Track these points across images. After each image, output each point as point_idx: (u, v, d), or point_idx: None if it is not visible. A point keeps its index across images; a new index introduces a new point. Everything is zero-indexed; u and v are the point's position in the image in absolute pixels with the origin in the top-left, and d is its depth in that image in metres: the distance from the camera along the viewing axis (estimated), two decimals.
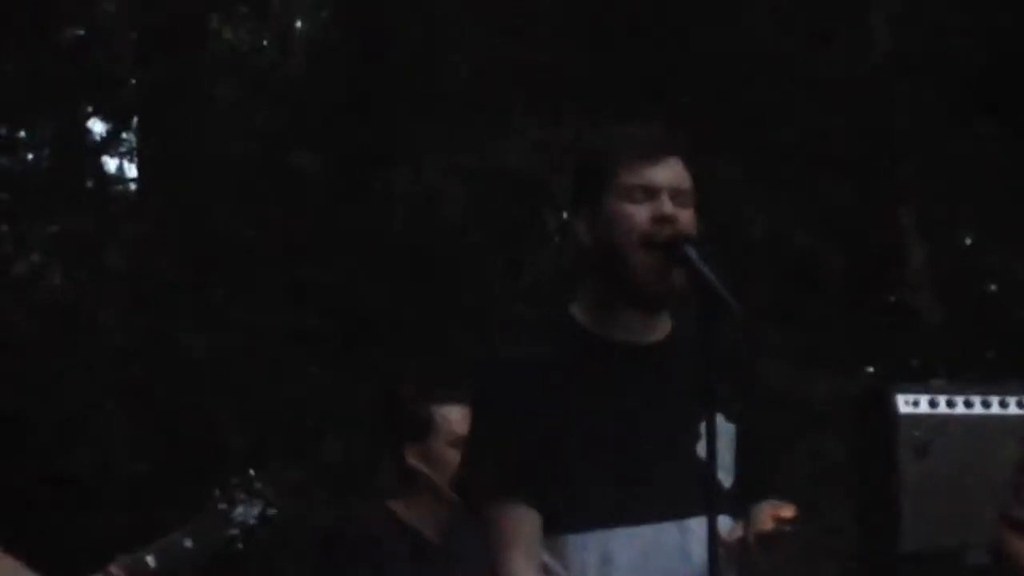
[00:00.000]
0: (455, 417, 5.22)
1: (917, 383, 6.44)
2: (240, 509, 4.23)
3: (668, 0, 10.85)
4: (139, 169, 11.28)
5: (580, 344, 3.82)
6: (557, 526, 3.73)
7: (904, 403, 6.07)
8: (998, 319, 11.09)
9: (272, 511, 4.29)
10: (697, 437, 3.67)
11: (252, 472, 4.31)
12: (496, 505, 3.75)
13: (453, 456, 5.09)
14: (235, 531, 4.22)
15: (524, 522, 3.73)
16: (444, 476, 5.33)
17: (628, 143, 3.80)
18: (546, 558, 3.75)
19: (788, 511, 3.55)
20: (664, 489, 3.73)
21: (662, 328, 3.78)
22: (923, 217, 11.07)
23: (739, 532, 3.59)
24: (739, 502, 3.69)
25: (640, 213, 3.67)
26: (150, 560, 4.23)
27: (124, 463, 9.66)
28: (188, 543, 4.19)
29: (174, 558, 4.26)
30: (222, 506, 4.23)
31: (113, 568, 4.24)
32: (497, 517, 3.75)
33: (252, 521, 4.25)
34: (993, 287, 11.62)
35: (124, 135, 11.22)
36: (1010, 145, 10.22)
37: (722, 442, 3.67)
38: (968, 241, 11.76)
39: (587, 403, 3.75)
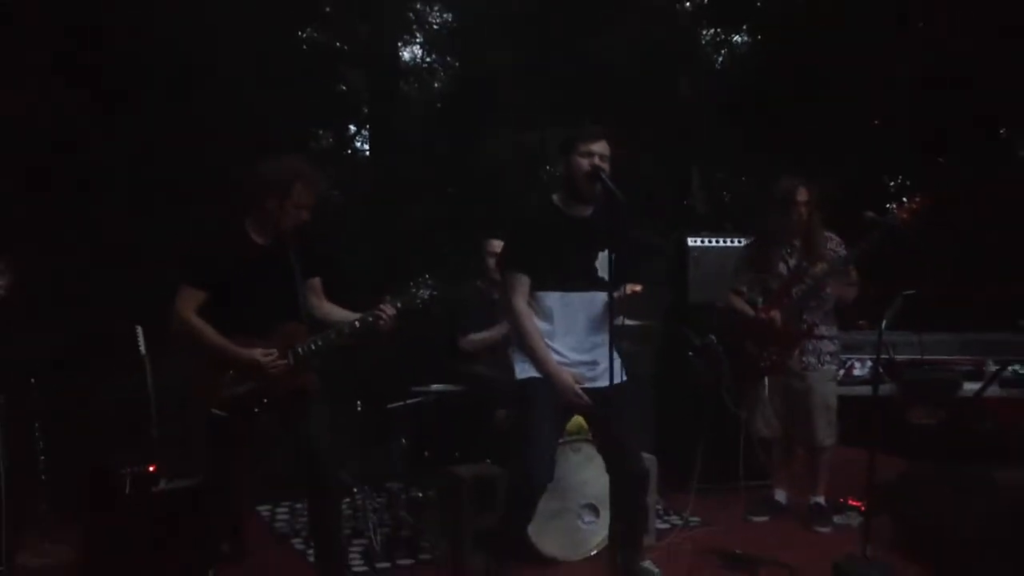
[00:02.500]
0: (497, 246, 5.15)
1: (696, 233, 6.08)
2: (421, 291, 3.90)
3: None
4: (370, 146, 10.97)
5: (554, 212, 3.79)
6: (535, 288, 3.73)
7: (691, 241, 5.97)
8: (730, 210, 10.87)
9: (436, 293, 3.92)
10: (598, 256, 3.71)
11: (427, 275, 3.98)
12: (511, 274, 3.74)
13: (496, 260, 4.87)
14: (419, 301, 3.90)
15: (523, 283, 3.72)
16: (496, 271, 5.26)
17: (582, 133, 3.72)
18: (531, 303, 3.76)
19: (638, 287, 3.67)
20: (581, 276, 3.72)
21: (589, 209, 3.78)
22: (702, 164, 10.72)
23: (618, 295, 3.63)
24: (617, 285, 3.66)
25: (584, 164, 3.67)
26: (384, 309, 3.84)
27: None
28: (398, 304, 3.88)
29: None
30: (413, 289, 3.91)
31: (384, 306, 3.84)
32: (511, 279, 3.73)
33: (427, 296, 3.90)
34: (726, 195, 11.35)
35: (363, 131, 10.84)
36: (755, 134, 9.71)
37: (611, 259, 3.68)
38: (720, 176, 11.43)
39: (553, 236, 3.73)
